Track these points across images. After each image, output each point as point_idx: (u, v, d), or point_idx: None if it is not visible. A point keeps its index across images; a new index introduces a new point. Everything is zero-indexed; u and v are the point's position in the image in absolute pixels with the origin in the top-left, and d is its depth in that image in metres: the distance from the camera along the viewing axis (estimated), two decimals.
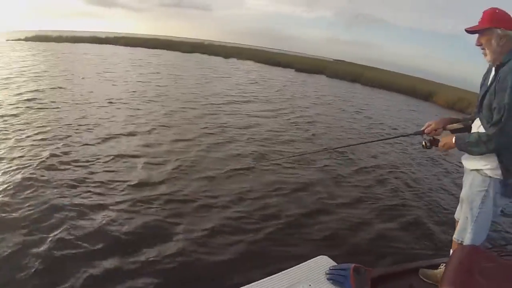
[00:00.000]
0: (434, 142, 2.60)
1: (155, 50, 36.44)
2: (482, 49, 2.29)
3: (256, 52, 40.95)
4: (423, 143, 2.61)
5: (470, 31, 2.33)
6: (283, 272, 1.90)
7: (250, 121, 9.79)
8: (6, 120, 7.15)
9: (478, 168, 2.28)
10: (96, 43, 37.70)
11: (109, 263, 3.26)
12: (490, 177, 2.24)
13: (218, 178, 5.51)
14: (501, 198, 2.28)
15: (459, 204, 2.62)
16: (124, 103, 10.09)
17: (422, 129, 2.70)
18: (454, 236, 2.48)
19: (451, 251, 2.63)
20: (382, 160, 7.93)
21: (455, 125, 2.61)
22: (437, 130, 2.61)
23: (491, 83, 2.22)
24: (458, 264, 2.03)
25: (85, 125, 7.45)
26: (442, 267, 2.86)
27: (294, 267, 1.96)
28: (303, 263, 2.02)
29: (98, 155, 5.80)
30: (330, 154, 7.48)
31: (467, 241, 2.34)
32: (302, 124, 10.42)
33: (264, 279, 1.82)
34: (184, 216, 4.27)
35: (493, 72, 2.28)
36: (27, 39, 34.14)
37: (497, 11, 2.23)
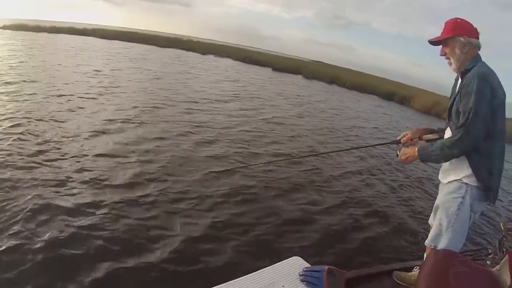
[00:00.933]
0: None
1: (133, 43, 35.99)
2: (446, 58, 2.34)
3: (233, 50, 40.99)
4: (398, 153, 2.59)
5: (433, 41, 2.35)
6: (256, 272, 1.84)
7: (230, 121, 9.69)
8: None
9: (454, 180, 2.29)
10: (74, 34, 37.00)
11: (98, 266, 3.18)
12: (466, 183, 2.24)
13: (195, 180, 5.40)
14: (479, 204, 2.28)
15: (433, 210, 2.62)
16: (100, 98, 9.79)
17: (398, 138, 2.70)
18: (427, 241, 2.48)
19: (425, 256, 2.63)
20: (359, 166, 7.98)
21: (431, 136, 2.62)
22: (413, 140, 2.62)
23: (458, 90, 2.24)
24: (433, 268, 2.01)
25: (59, 120, 7.16)
26: (415, 270, 2.88)
27: (267, 268, 1.91)
28: (277, 264, 1.96)
29: (70, 152, 5.58)
30: (308, 159, 7.45)
31: (442, 247, 2.33)
32: (281, 126, 10.40)
33: (237, 279, 1.76)
34: (157, 218, 4.17)
35: (459, 80, 2.31)
36: (4, 27, 32.92)
37: (458, 20, 2.27)
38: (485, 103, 2.06)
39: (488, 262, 2.94)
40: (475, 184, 2.20)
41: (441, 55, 2.36)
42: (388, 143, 2.89)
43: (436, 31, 2.42)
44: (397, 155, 2.57)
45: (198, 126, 8.54)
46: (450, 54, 2.29)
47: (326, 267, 1.87)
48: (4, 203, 3.86)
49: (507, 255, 2.35)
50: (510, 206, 7.47)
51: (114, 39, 37.07)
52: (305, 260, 2.01)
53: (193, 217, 4.33)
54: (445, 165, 2.42)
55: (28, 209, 3.82)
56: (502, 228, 3.26)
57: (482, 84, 2.06)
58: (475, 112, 2.05)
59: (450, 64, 2.33)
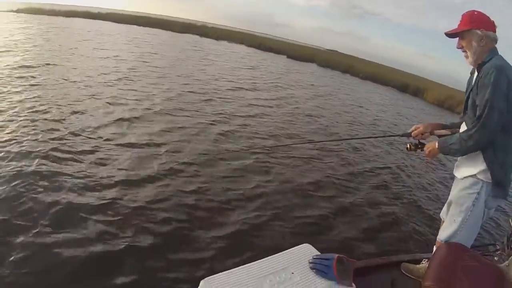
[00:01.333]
0: (419, 146, 2.61)
1: (148, 28, 35.93)
2: (463, 51, 2.31)
3: (248, 37, 40.65)
4: (408, 146, 2.59)
5: (450, 34, 2.33)
6: (266, 258, 1.88)
7: (250, 109, 9.75)
8: None
9: (469, 175, 2.28)
10: (89, 18, 36.90)
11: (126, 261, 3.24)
12: (482, 180, 2.23)
13: (208, 165, 5.47)
14: (493, 200, 2.27)
15: (446, 204, 2.62)
16: (118, 84, 9.79)
17: (409, 131, 2.69)
18: (438, 236, 2.48)
19: (434, 249, 2.65)
20: (372, 156, 8.01)
21: (443, 131, 2.60)
22: (423, 134, 2.61)
23: (474, 83, 2.22)
24: (442, 261, 2.03)
25: (77, 106, 7.18)
26: (424, 262, 2.89)
27: (277, 254, 1.95)
28: (287, 251, 2.00)
29: (90, 141, 5.58)
30: (320, 146, 7.52)
31: (454, 241, 2.34)
32: (300, 115, 10.46)
33: (247, 265, 1.80)
34: (182, 209, 4.21)
35: (475, 74, 2.29)
36: (19, 11, 32.69)
37: (475, 13, 2.25)
38: (501, 96, 2.03)
39: (495, 258, 2.94)
40: (490, 181, 2.20)
41: (458, 48, 2.33)
42: (399, 135, 2.87)
43: (450, 24, 2.39)
44: (407, 148, 2.57)
45: (219, 114, 8.60)
46: (467, 47, 2.26)
47: (336, 255, 1.90)
48: (24, 194, 3.87)
49: None
50: None
51: (129, 24, 37.04)
52: (315, 248, 2.05)
53: (207, 205, 4.40)
54: (460, 160, 2.41)
55: (48, 202, 3.83)
56: (511, 225, 3.26)
57: (499, 76, 2.04)
58: (491, 105, 2.03)
59: (466, 57, 2.31)
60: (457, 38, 2.33)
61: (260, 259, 1.87)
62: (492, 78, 2.04)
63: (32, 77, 8.84)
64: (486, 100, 2.05)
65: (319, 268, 1.85)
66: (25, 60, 10.61)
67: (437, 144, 2.37)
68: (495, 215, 5.87)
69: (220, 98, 10.45)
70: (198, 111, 8.54)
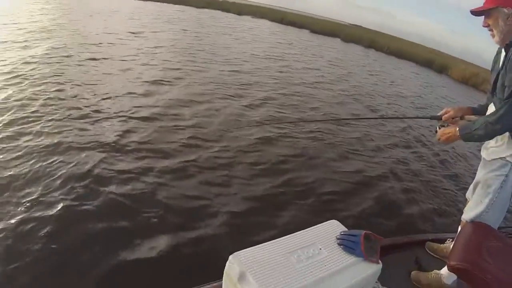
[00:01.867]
0: None
1: (168, 3, 35.57)
2: (489, 30, 2.22)
3: (269, 11, 39.91)
4: (437, 129, 2.49)
5: (476, 11, 2.23)
6: (294, 234, 1.90)
7: (276, 82, 9.87)
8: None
9: (498, 157, 2.23)
10: None
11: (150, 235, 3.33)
12: (511, 162, 2.19)
13: (245, 143, 5.54)
14: None
15: (472, 185, 2.57)
16: (142, 59, 9.90)
17: (440, 114, 2.60)
18: (463, 216, 2.45)
19: (459, 229, 2.63)
20: (400, 135, 8.02)
21: (473, 117, 2.49)
22: (454, 118, 2.53)
23: (503, 63, 2.13)
24: (467, 241, 2.03)
25: (99, 81, 7.31)
26: (448, 242, 2.90)
27: (305, 230, 1.96)
28: (314, 226, 2.01)
29: (113, 115, 5.70)
30: (346, 123, 7.52)
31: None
32: (326, 90, 10.50)
33: (275, 240, 1.83)
34: (204, 184, 4.29)
35: (503, 53, 2.20)
36: None
37: None
38: None
39: None
40: None
41: (484, 27, 2.25)
42: (428, 118, 2.78)
43: (479, 1, 2.30)
44: (436, 131, 2.49)
45: (244, 87, 8.69)
46: (493, 26, 2.17)
47: (363, 232, 1.91)
48: (47, 168, 3.98)
49: None
50: None
51: (148, 0, 36.88)
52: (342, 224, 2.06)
53: (233, 180, 4.47)
54: (489, 142, 2.34)
55: (70, 174, 3.94)
56: None
57: None
58: None
59: (493, 36, 2.22)
60: (483, 16, 2.23)
61: (287, 234, 1.90)
62: None
63: (50, 53, 8.91)
64: None
65: (347, 244, 1.86)
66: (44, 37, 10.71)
67: (458, 129, 2.26)
68: None
69: (253, 72, 10.57)
70: (225, 84, 8.63)
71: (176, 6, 34.70)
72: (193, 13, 29.66)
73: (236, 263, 1.66)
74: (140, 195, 3.81)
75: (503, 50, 2.21)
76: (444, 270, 2.47)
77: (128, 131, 5.18)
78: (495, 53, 2.38)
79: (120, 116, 5.64)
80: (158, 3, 35.09)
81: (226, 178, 4.47)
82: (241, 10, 38.61)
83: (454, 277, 2.40)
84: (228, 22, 27.39)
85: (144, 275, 2.93)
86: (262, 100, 7.91)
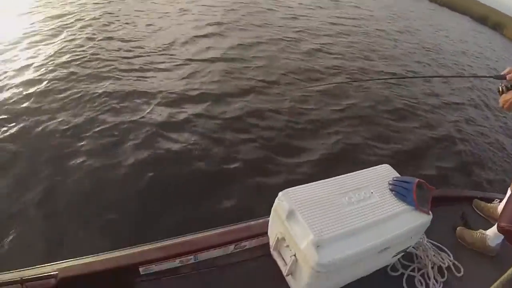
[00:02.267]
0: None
1: None
2: None
3: None
4: (500, 89, 2.28)
5: None
6: (346, 175, 1.87)
7: (331, 29, 9.40)
8: None
9: None
10: None
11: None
12: None
13: (299, 94, 5.43)
14: None
15: None
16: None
17: (503, 73, 2.37)
18: None
19: (508, 191, 2.53)
20: (459, 93, 7.65)
21: None
22: None
23: None
24: None
25: (152, 25, 7.08)
26: (495, 202, 2.80)
27: (357, 172, 1.92)
28: (367, 169, 1.96)
29: (170, 58, 5.67)
30: (407, 80, 7.22)
31: None
32: (382, 42, 9.90)
33: (326, 180, 1.81)
34: (253, 120, 4.43)
35: None
36: None
37: None
38: None
39: None
40: None
41: None
42: (492, 77, 2.57)
43: None
44: (499, 91, 2.29)
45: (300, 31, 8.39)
46: None
47: (416, 180, 1.86)
48: (98, 117, 4.02)
49: None
50: None
51: None
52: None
53: (291, 125, 4.54)
54: None
55: (130, 120, 4.00)
56: None
57: None
58: None
59: None
60: None
61: (340, 175, 1.87)
62: None
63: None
64: None
65: (399, 191, 1.81)
66: None
67: None
68: None
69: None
70: (282, 27, 8.37)
71: None
72: None
73: (285, 200, 1.65)
74: (191, 141, 3.87)
75: None
76: (490, 231, 2.40)
77: (182, 72, 5.22)
78: None
79: (175, 58, 5.64)
80: None
81: (281, 124, 4.50)
82: None
83: (498, 239, 2.34)
84: None
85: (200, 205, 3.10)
86: (323, 49, 7.63)
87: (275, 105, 4.82)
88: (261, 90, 5.15)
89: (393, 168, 2.03)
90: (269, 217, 1.84)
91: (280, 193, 1.72)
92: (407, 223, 1.73)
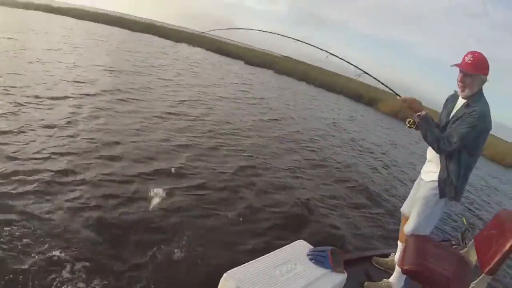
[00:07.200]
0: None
1: (106, 26, 35.24)
2: (461, 85, 2.64)
3: (206, 40, 39.41)
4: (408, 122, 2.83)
5: (460, 68, 2.63)
6: (269, 254, 2.23)
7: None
8: None
9: (435, 180, 2.76)
10: (47, 11, 35.71)
11: None
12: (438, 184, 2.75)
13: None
14: (449, 201, 2.79)
15: (409, 201, 3.10)
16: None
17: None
18: (406, 229, 2.88)
19: (399, 243, 3.17)
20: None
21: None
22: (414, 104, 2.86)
23: (461, 112, 2.62)
24: (414, 249, 2.50)
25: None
26: (391, 256, 3.40)
27: (277, 250, 2.30)
28: (285, 246, 2.37)
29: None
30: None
31: (418, 233, 2.81)
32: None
33: (259, 259, 2.14)
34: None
35: (460, 101, 2.73)
36: None
37: (485, 59, 2.59)
38: (473, 135, 2.51)
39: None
40: (450, 186, 2.69)
41: (459, 82, 2.65)
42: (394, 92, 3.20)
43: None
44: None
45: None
46: (468, 86, 2.61)
47: (330, 248, 2.32)
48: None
49: (472, 240, 2.91)
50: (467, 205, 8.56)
51: (88, 20, 36.19)
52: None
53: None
54: (429, 167, 2.89)
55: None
56: (465, 223, 3.85)
57: (480, 123, 2.50)
58: (461, 138, 2.50)
59: (462, 90, 2.65)
60: (461, 73, 2.64)
61: (260, 255, 2.22)
62: (475, 122, 2.48)
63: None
64: (460, 133, 2.51)
65: (317, 259, 2.25)
66: None
67: (425, 113, 2.71)
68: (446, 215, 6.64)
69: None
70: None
71: (115, 28, 33.68)
72: (131, 38, 29.56)
73: (231, 280, 1.95)
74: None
75: (459, 99, 2.74)
76: (393, 278, 2.95)
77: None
78: (451, 97, 2.88)
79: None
80: (96, 23, 34.73)
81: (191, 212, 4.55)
82: (178, 37, 38.82)
83: (401, 283, 2.89)
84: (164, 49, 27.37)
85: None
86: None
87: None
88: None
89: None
90: None
91: (225, 274, 1.97)
92: (329, 283, 2.15)
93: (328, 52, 3.93)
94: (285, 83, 26.52)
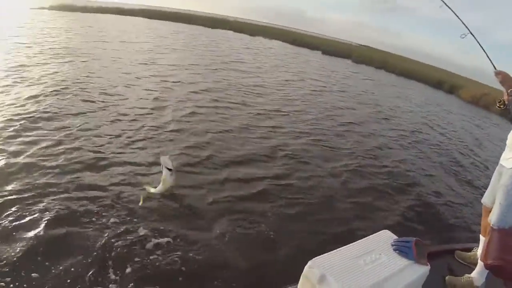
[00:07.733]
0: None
1: (179, 23, 36.69)
2: None
3: (281, 32, 39.93)
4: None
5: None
6: (356, 242, 2.30)
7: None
8: None
9: None
10: (119, 14, 38.07)
11: None
12: None
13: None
14: None
15: (489, 190, 3.02)
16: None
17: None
18: (491, 220, 2.72)
19: (481, 237, 3.11)
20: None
21: None
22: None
23: None
24: (498, 243, 2.43)
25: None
26: (474, 250, 3.30)
27: (362, 239, 2.35)
28: (370, 236, 2.41)
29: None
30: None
31: (503, 224, 2.65)
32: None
33: (344, 247, 2.22)
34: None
35: None
36: (51, 8, 33.24)
37: None
38: None
39: None
40: None
41: None
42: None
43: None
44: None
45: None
46: None
47: (414, 239, 2.33)
48: None
49: None
50: None
51: (158, 19, 37.88)
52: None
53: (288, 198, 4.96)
54: (510, 153, 2.79)
55: None
56: None
57: None
58: None
59: None
60: None
61: (346, 244, 2.28)
62: None
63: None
64: None
65: (401, 249, 2.28)
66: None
67: None
68: None
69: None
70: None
71: (189, 25, 35.38)
72: (207, 33, 30.82)
73: (315, 267, 2.05)
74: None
75: None
76: (475, 273, 2.88)
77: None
78: None
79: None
80: (168, 22, 36.29)
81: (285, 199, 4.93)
82: (253, 31, 39.29)
83: (483, 279, 2.83)
84: (244, 44, 28.12)
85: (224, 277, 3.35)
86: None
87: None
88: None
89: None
90: (296, 284, 2.19)
91: (309, 262, 2.08)
92: (412, 274, 2.19)
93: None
94: (372, 74, 26.07)
